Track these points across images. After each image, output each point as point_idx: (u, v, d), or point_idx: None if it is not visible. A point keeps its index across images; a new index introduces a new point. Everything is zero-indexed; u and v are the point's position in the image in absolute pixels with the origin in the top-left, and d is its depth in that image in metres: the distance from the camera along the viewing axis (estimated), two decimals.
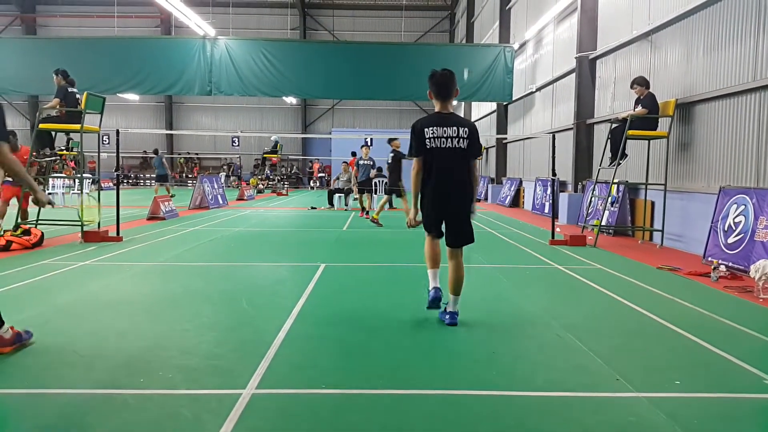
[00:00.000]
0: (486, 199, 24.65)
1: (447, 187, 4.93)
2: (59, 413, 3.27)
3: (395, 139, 14.24)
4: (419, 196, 5.08)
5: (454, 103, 29.07)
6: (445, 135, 4.84)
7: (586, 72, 14.63)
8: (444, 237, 5.14)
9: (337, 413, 3.30)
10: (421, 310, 5.76)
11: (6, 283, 6.63)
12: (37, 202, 4.71)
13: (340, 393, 3.59)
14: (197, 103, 38.67)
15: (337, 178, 20.42)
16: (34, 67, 20.76)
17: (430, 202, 5.01)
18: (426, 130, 4.88)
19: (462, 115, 32.66)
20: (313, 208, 19.67)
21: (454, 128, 4.86)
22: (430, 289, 5.13)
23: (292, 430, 3.11)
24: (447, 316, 5.07)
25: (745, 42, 8.63)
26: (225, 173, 36.97)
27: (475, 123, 31.24)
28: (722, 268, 7.51)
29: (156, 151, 25.52)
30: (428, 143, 4.87)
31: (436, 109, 5.02)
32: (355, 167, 16.95)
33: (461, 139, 4.87)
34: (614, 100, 13.32)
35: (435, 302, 5.12)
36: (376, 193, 19.44)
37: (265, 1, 38.09)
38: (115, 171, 10.79)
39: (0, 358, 4.13)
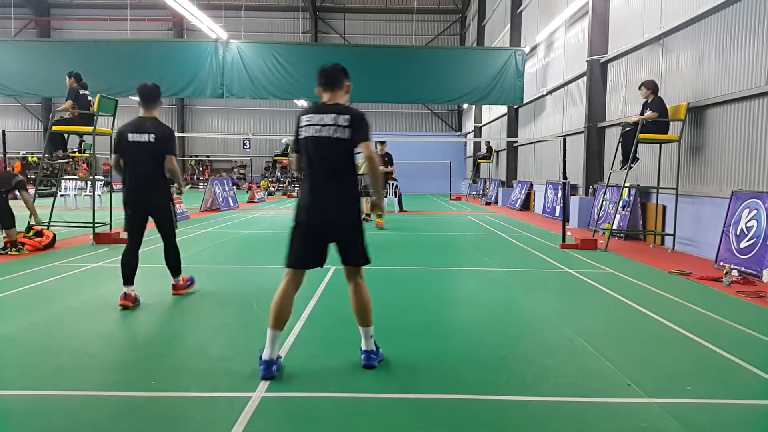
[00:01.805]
0: (496, 202, 24.58)
1: (325, 187, 4.03)
2: (70, 415, 3.30)
3: (383, 142, 14.36)
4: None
5: (466, 106, 28.81)
6: (321, 122, 3.98)
7: (597, 75, 14.57)
8: (314, 265, 4.18)
9: (346, 417, 3.31)
10: (430, 313, 5.77)
11: (19, 285, 6.70)
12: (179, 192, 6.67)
13: (349, 396, 3.59)
14: (209, 106, 38.85)
15: None
16: (48, 70, 20.90)
17: (305, 210, 4.06)
18: (302, 117, 4.09)
19: (473, 117, 32.62)
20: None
21: (333, 115, 3.98)
22: (262, 357, 3.89)
23: None
24: (362, 356, 4.07)
25: (757, 46, 8.57)
26: (236, 176, 37.11)
27: (486, 125, 31.09)
28: (734, 272, 7.46)
29: None
30: (301, 132, 4.06)
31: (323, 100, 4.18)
32: None
33: (340, 128, 3.95)
34: (625, 104, 13.26)
35: (268, 376, 3.80)
36: (386, 196, 19.46)
37: (276, 5, 38.23)
38: None
39: (12, 360, 4.18)
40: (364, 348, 4.10)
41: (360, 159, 4.12)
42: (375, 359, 4.07)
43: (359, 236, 4.17)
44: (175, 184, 6.43)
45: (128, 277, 5.80)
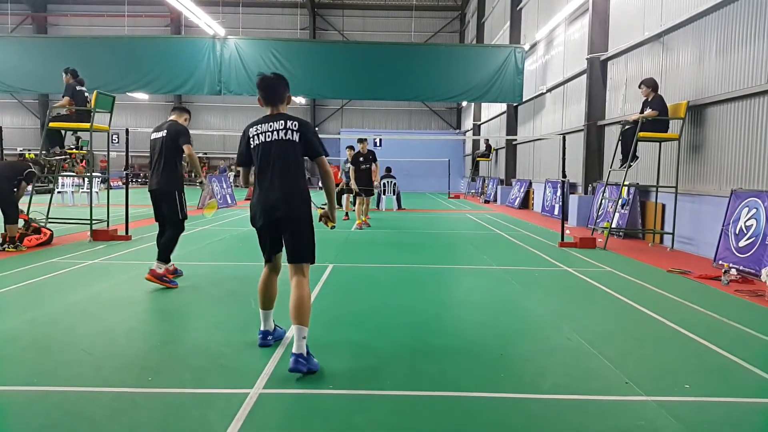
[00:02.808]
0: (495, 200, 24.58)
1: (276, 186, 4.19)
2: (68, 411, 3.28)
3: (364, 140, 14.24)
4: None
5: (465, 104, 28.65)
6: (270, 129, 4.19)
7: (597, 73, 14.55)
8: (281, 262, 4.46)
9: (343, 414, 3.29)
10: (429, 311, 5.76)
11: (15, 281, 6.68)
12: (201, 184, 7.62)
13: (347, 393, 3.58)
14: (207, 103, 38.75)
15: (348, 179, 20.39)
16: (44, 66, 20.81)
17: (259, 213, 4.29)
18: (250, 130, 4.29)
19: (472, 115, 32.63)
20: (321, 207, 19.63)
21: (282, 122, 4.20)
22: (260, 329, 4.56)
23: (299, 430, 3.11)
24: (291, 360, 3.84)
25: (758, 44, 8.56)
26: (234, 173, 36.97)
27: (485, 123, 31.05)
28: (733, 271, 7.45)
29: None
30: (252, 141, 4.24)
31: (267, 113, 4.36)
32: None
33: (290, 131, 4.17)
34: (625, 102, 13.25)
35: (263, 345, 4.48)
36: (385, 194, 19.45)
37: (275, 1, 38.15)
38: (125, 170, 10.83)
39: (10, 357, 4.17)
40: (294, 351, 3.83)
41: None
42: (304, 365, 3.80)
43: (305, 233, 4.25)
44: (197, 179, 7.41)
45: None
